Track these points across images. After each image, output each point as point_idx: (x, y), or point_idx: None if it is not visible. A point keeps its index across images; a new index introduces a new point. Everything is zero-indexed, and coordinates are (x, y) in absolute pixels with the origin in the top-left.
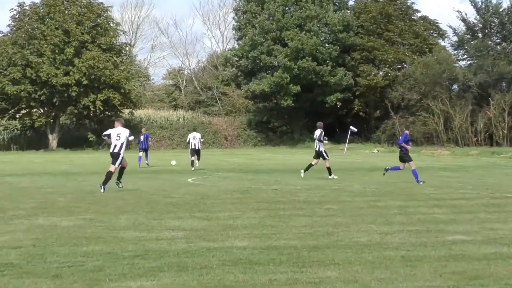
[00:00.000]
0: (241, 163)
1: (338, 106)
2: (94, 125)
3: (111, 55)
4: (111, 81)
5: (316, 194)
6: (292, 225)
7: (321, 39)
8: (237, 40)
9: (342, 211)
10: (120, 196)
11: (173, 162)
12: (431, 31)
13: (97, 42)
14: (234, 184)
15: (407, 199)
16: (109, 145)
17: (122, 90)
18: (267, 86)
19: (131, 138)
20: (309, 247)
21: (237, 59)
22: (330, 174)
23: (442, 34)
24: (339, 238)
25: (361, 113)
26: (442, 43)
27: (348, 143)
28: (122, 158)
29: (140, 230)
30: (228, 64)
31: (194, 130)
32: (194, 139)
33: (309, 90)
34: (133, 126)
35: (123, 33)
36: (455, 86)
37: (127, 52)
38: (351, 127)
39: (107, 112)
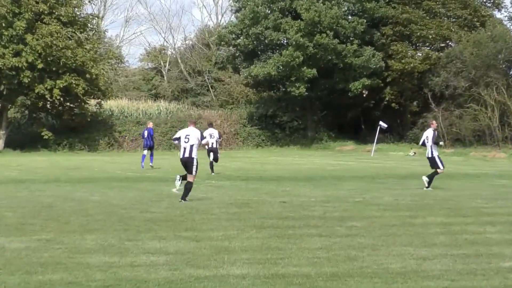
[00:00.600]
0: (240, 168)
1: (364, 96)
2: (51, 120)
3: (73, 30)
4: (74, 64)
5: (335, 208)
6: (304, 247)
7: (344, 9)
8: (234, 13)
9: (368, 230)
10: (85, 211)
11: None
12: (484, 0)
13: (56, 13)
14: (230, 195)
15: (452, 215)
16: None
17: (87, 75)
18: (273, 69)
19: (204, 141)
20: (326, 276)
21: (234, 37)
22: (429, 183)
23: (498, 4)
24: (365, 264)
25: (393, 105)
26: (498, 15)
27: (376, 143)
28: (197, 164)
29: (110, 254)
30: (223, 43)
31: (210, 125)
32: (212, 137)
33: (328, 75)
34: (101, 121)
35: (89, 2)
36: None
37: (94, 27)
38: (381, 122)
39: (68, 103)
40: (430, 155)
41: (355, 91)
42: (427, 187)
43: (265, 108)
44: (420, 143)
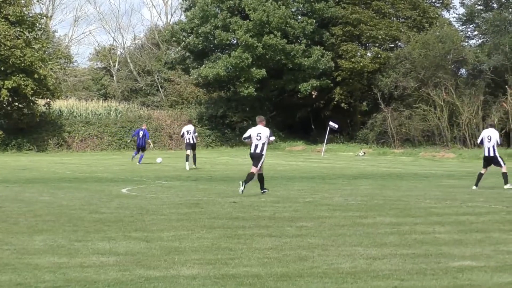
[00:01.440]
0: (190, 169)
1: (314, 96)
2: (0, 120)
3: (21, 29)
4: (22, 64)
5: (285, 208)
6: (254, 247)
7: (293, 9)
8: (184, 11)
9: (318, 230)
10: (34, 211)
11: (159, 160)
12: (433, 1)
13: (4, 12)
14: (180, 196)
15: (401, 215)
16: (249, 145)
17: (35, 76)
18: (223, 70)
19: (272, 138)
20: (277, 276)
21: (184, 34)
22: (506, 182)
23: (446, 5)
24: (315, 264)
25: (343, 105)
26: (447, 15)
27: (326, 143)
28: (263, 160)
29: (60, 255)
30: (174, 39)
31: (189, 122)
32: (188, 133)
33: (277, 76)
34: (50, 122)
35: (38, 1)
36: (463, 71)
37: (43, 26)
38: (331, 122)
39: (16, 103)
40: (492, 154)
41: (304, 91)
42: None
43: (215, 109)
44: (479, 141)
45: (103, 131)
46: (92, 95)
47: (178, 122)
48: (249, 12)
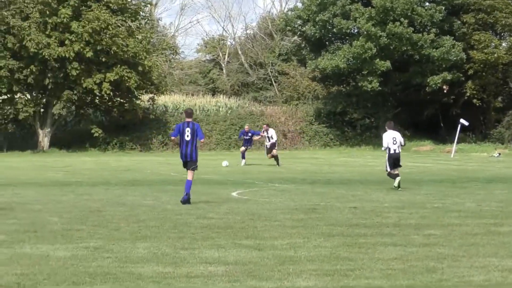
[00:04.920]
0: (306, 171)
1: (445, 91)
2: (100, 116)
3: (123, 18)
4: (125, 55)
5: (411, 214)
6: (377, 257)
7: None
8: None
9: (448, 238)
10: (136, 216)
11: (225, 163)
12: None
13: (105, 0)
14: (295, 200)
15: None
16: None
17: (139, 68)
18: (343, 62)
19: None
20: None
21: (300, 23)
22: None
23: None
24: (444, 277)
25: (475, 101)
26: None
27: (457, 143)
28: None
29: (164, 264)
30: (288, 29)
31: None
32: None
33: (403, 68)
34: (154, 118)
35: None
36: None
37: (147, 15)
38: (461, 120)
39: (118, 99)
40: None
41: (433, 86)
42: None
43: (334, 105)
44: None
45: (211, 129)
46: (199, 89)
47: (293, 119)
48: None
